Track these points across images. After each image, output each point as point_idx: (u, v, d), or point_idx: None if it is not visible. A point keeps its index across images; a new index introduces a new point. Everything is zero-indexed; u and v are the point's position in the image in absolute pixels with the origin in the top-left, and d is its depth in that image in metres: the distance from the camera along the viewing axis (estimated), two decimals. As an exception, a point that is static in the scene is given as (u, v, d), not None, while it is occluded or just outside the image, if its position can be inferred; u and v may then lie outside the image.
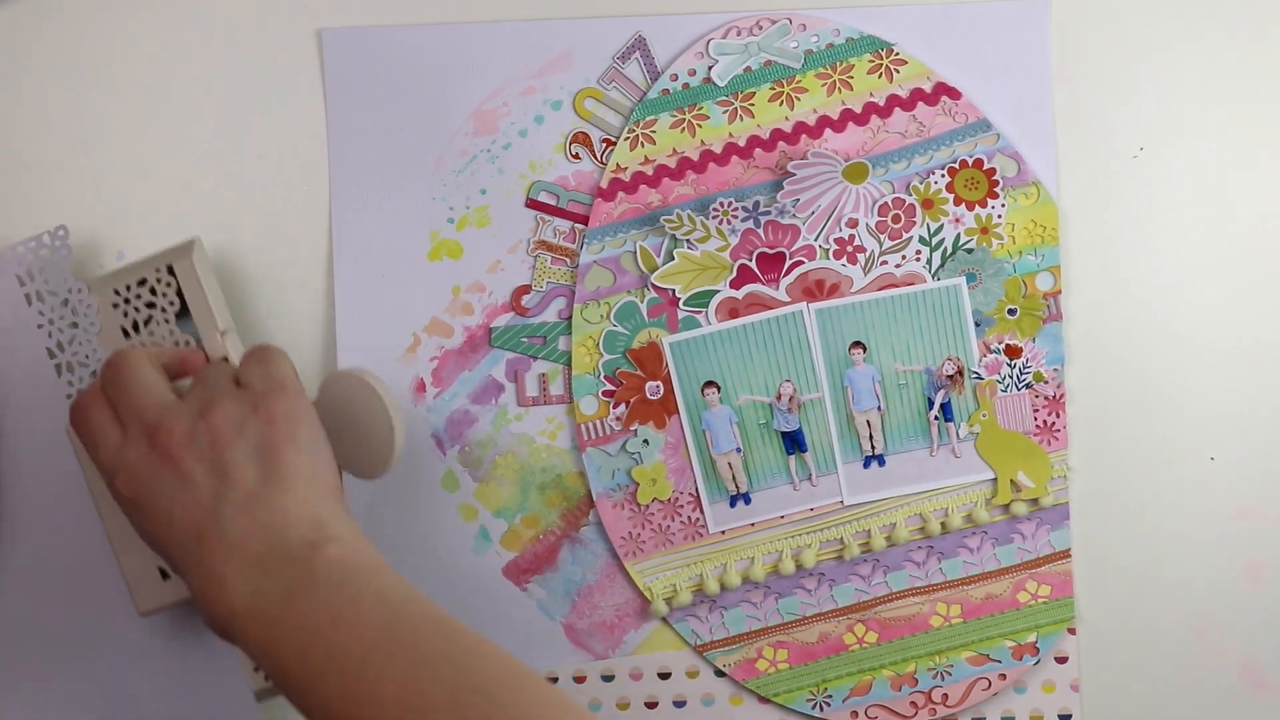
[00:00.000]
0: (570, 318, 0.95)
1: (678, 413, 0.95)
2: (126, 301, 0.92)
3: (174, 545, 0.80)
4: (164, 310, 0.91)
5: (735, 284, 0.94)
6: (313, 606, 0.76)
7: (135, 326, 0.92)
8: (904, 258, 0.94)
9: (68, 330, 0.92)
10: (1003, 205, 0.94)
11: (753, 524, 0.95)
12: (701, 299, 0.94)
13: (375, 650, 0.75)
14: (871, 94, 0.95)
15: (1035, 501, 0.95)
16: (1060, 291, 0.95)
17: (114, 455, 0.82)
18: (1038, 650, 0.95)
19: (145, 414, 0.82)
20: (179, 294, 0.91)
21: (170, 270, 0.91)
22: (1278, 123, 0.95)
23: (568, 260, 0.95)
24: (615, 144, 0.95)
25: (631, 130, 0.94)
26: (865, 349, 0.94)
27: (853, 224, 0.94)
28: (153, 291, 0.91)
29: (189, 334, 0.91)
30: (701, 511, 0.95)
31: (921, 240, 0.94)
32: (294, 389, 0.83)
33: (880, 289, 0.94)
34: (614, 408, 0.95)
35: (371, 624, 0.76)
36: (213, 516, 0.79)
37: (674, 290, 0.95)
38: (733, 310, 0.94)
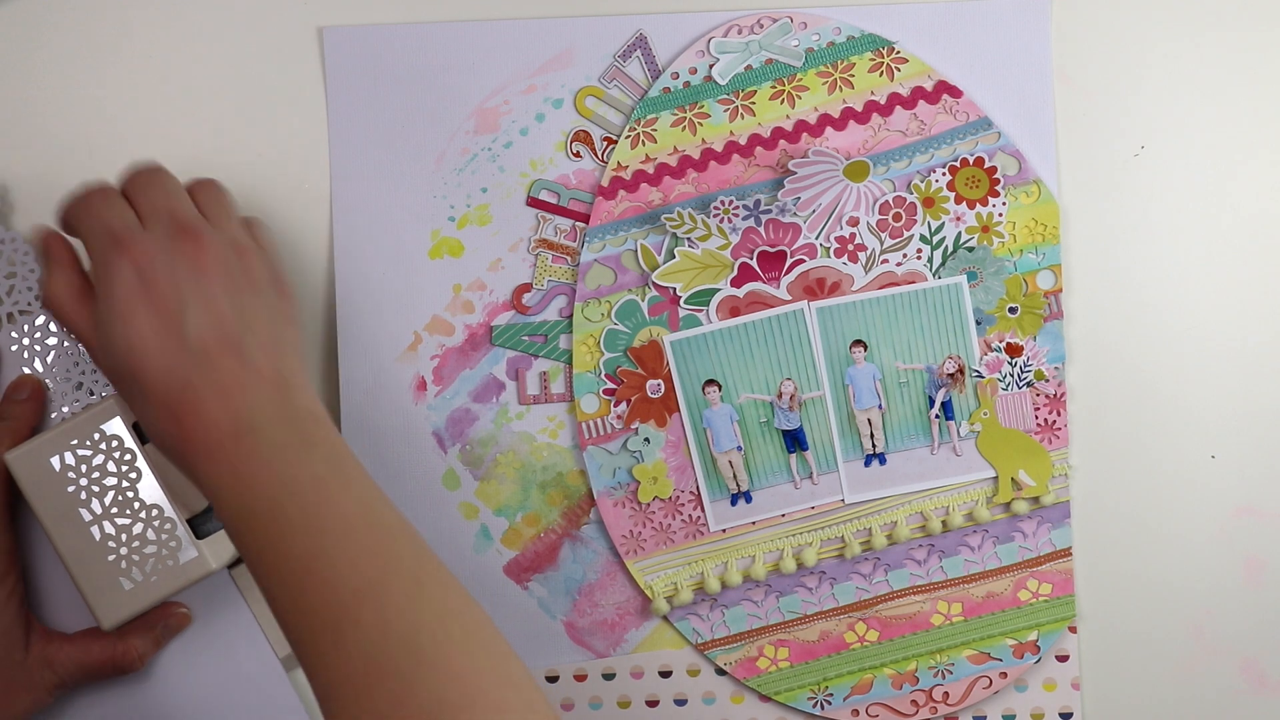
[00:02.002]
0: (571, 316, 0.95)
1: (679, 411, 0.95)
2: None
3: (168, 342, 0.78)
4: (65, 343, 0.93)
5: (736, 282, 0.94)
6: (302, 470, 0.77)
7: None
8: (905, 256, 0.94)
9: (4, 282, 0.92)
10: (1004, 203, 0.94)
11: (754, 522, 0.95)
12: (702, 297, 0.94)
13: (349, 534, 0.76)
14: (872, 92, 0.95)
15: (1036, 500, 0.95)
16: (1061, 290, 0.95)
17: (128, 232, 0.80)
18: (1039, 648, 0.95)
19: (179, 214, 0.81)
20: None
21: None
22: (1278, 121, 0.95)
23: (569, 258, 0.95)
24: (616, 142, 0.95)
25: (633, 128, 0.94)
26: (866, 347, 0.94)
27: (854, 222, 0.94)
28: None
29: None
30: (702, 510, 0.95)
31: (922, 238, 0.94)
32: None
33: (881, 287, 0.94)
34: (615, 406, 0.95)
35: (353, 510, 0.76)
36: (234, 342, 0.79)
37: (675, 288, 0.95)
38: (734, 309, 0.94)
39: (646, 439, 0.95)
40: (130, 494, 0.87)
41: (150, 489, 0.87)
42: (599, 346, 0.95)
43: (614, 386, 0.95)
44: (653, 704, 0.96)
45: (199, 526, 0.88)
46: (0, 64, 0.95)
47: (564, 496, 0.95)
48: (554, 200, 0.95)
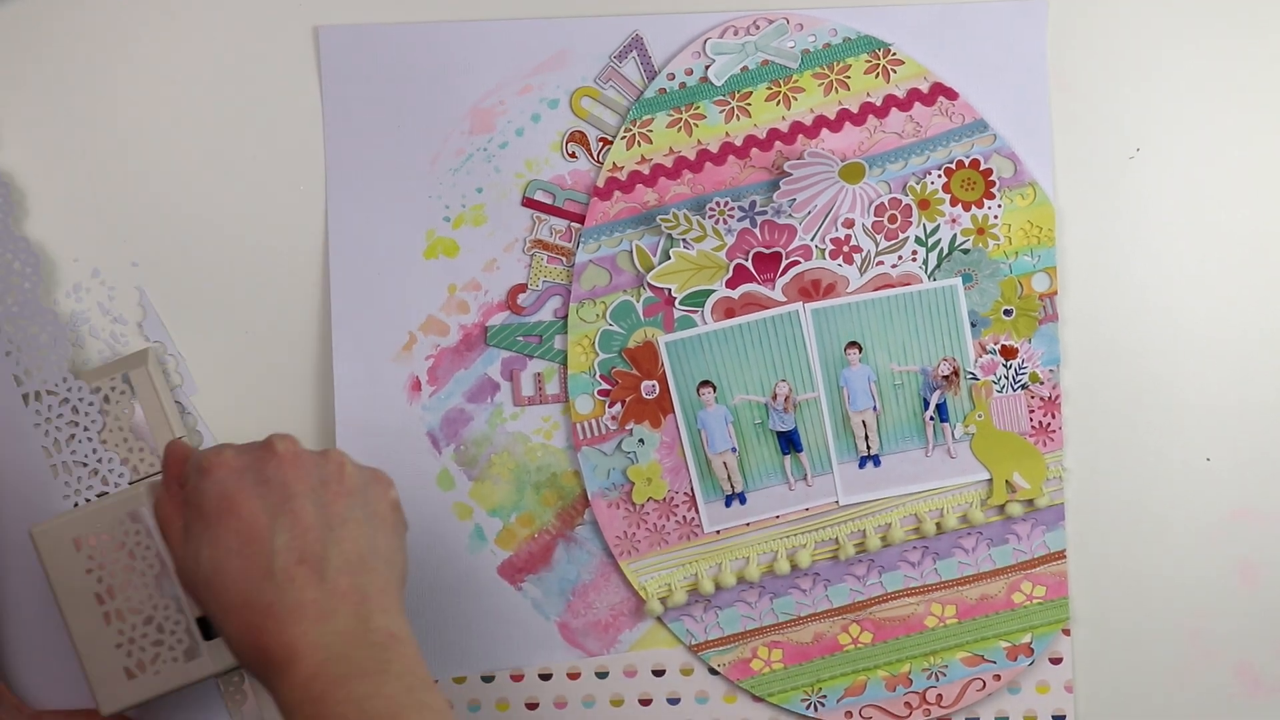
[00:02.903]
0: (566, 317, 0.95)
1: (673, 412, 0.95)
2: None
3: (255, 561, 0.78)
4: (87, 429, 0.93)
5: (731, 284, 0.94)
6: (376, 697, 0.76)
7: (56, 445, 0.93)
8: (900, 258, 0.94)
9: (36, 356, 0.92)
10: (999, 206, 0.94)
11: (748, 524, 0.95)
12: (697, 298, 0.94)
13: None
14: (868, 94, 0.94)
15: (1030, 502, 0.95)
16: (1056, 292, 0.95)
17: (217, 454, 0.81)
18: (1032, 651, 0.95)
19: (271, 440, 0.82)
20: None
21: (126, 380, 0.92)
22: (1273, 125, 0.95)
23: (564, 259, 0.95)
24: (612, 143, 0.95)
25: (628, 129, 0.94)
26: (861, 349, 0.94)
27: (849, 224, 0.94)
28: (106, 400, 0.93)
29: (117, 451, 0.93)
30: (697, 511, 0.95)
31: (918, 240, 0.94)
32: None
33: (876, 289, 0.94)
34: (609, 407, 0.95)
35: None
36: (319, 555, 0.78)
37: (670, 290, 0.94)
38: (729, 310, 0.94)
39: (641, 440, 0.95)
40: (146, 584, 0.87)
41: (166, 582, 0.87)
42: (594, 347, 0.95)
43: (609, 387, 0.95)
44: (646, 703, 0.96)
45: (208, 627, 0.87)
46: (-5, 62, 0.95)
47: (558, 497, 0.95)
48: (549, 201, 0.95)
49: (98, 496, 0.92)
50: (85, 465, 0.93)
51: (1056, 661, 0.95)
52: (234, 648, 0.79)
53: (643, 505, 0.95)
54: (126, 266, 0.95)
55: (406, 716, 0.76)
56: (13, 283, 0.93)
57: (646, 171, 0.94)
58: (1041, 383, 0.95)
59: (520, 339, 0.95)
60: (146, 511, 0.87)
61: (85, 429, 0.93)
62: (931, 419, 0.95)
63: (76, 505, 0.91)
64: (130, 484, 0.93)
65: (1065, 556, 0.95)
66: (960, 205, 0.94)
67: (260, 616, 0.78)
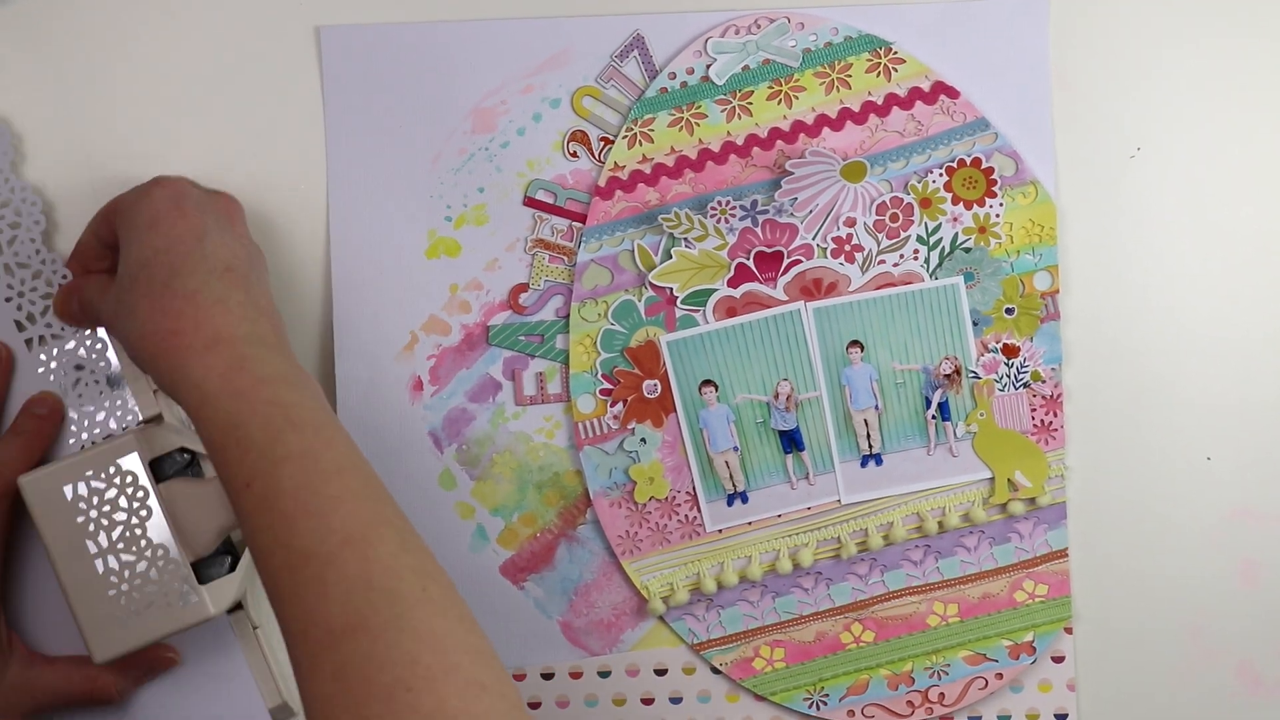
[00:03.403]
0: (568, 316, 0.95)
1: (675, 411, 0.95)
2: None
3: (184, 255, 0.81)
4: (93, 371, 0.93)
5: (733, 283, 0.94)
6: (299, 400, 0.77)
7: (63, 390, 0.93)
8: (902, 257, 0.94)
9: (40, 301, 0.92)
10: (1001, 204, 0.94)
11: (750, 523, 0.95)
12: (699, 298, 0.94)
13: (344, 464, 0.76)
14: (870, 93, 0.94)
15: (1032, 501, 0.95)
16: (1058, 291, 0.95)
17: (173, 179, 0.85)
18: (1034, 649, 0.95)
19: (222, 193, 0.89)
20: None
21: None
22: (1275, 123, 0.95)
23: (565, 259, 0.95)
24: (613, 142, 0.95)
25: (629, 129, 0.94)
26: (863, 348, 0.94)
27: (850, 223, 0.94)
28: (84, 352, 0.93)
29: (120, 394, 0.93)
30: (699, 510, 0.95)
31: (919, 239, 0.94)
32: None
33: (878, 288, 0.94)
34: (611, 406, 0.95)
35: (345, 450, 0.77)
36: (245, 272, 0.82)
37: (672, 289, 0.94)
38: (730, 309, 0.94)
39: (643, 439, 0.95)
40: (139, 531, 0.87)
41: (159, 529, 0.87)
42: (595, 347, 0.95)
43: (610, 387, 0.95)
44: (648, 702, 0.96)
45: (203, 571, 0.88)
46: (-4, 62, 0.95)
47: (560, 497, 0.95)
48: (551, 200, 0.95)
49: (104, 439, 0.91)
50: (90, 409, 0.93)
51: (1059, 660, 0.95)
52: (150, 336, 0.79)
53: (645, 504, 0.95)
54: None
55: (328, 428, 0.77)
56: (15, 228, 0.93)
57: (648, 171, 0.94)
58: (1043, 381, 0.95)
59: (522, 338, 0.95)
60: (137, 458, 0.87)
61: (92, 372, 0.93)
62: (933, 418, 0.95)
63: (84, 449, 0.91)
64: (123, 431, 0.93)
65: (1067, 555, 0.95)
66: (962, 204, 0.94)
67: (181, 302, 0.79)
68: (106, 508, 0.87)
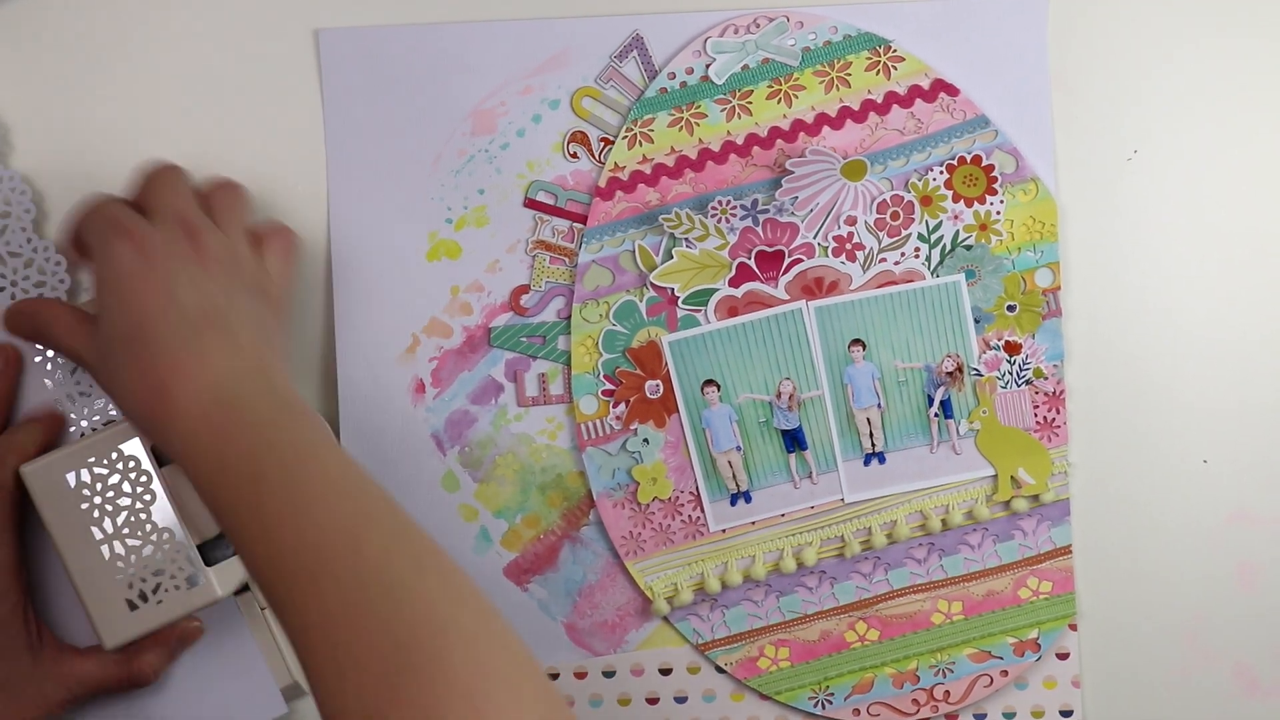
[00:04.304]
0: (569, 317, 0.95)
1: (677, 411, 0.95)
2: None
3: (162, 309, 0.80)
4: None
5: (734, 282, 0.94)
6: (280, 434, 0.78)
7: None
8: (903, 255, 0.94)
9: (33, 290, 0.92)
10: (1001, 201, 0.94)
11: (753, 522, 0.95)
12: (700, 297, 0.94)
13: (328, 493, 0.76)
14: (869, 91, 0.94)
15: (1036, 498, 0.95)
16: (1059, 287, 0.95)
17: (130, 221, 0.82)
18: (1039, 646, 0.95)
19: (183, 213, 0.84)
20: None
21: None
22: (1274, 123, 0.95)
23: (566, 260, 0.95)
24: (613, 143, 0.94)
25: (629, 129, 0.94)
26: (865, 346, 0.94)
27: (851, 221, 0.94)
28: None
29: None
30: (702, 510, 0.95)
31: (920, 237, 0.94)
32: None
33: (879, 286, 0.94)
34: (614, 407, 0.95)
35: (334, 471, 0.77)
36: (221, 319, 0.80)
37: (673, 289, 0.94)
38: (732, 308, 0.94)
39: (645, 440, 0.95)
40: (143, 516, 0.87)
41: (163, 512, 0.87)
42: (597, 347, 0.95)
43: (613, 387, 0.95)
44: (653, 701, 0.96)
45: (209, 553, 0.88)
46: (-5, 68, 0.95)
47: (563, 498, 0.95)
48: (551, 201, 0.95)
49: (105, 425, 0.91)
50: (87, 395, 0.93)
51: (1063, 657, 0.95)
52: (134, 400, 0.80)
53: (648, 505, 0.95)
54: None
55: (311, 451, 0.77)
56: (6, 218, 0.92)
57: (648, 171, 0.94)
58: (1045, 378, 0.95)
59: (524, 340, 0.95)
60: (139, 443, 0.88)
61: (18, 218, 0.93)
62: (936, 415, 0.95)
63: (84, 436, 0.91)
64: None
65: (1071, 551, 0.95)
66: (962, 201, 0.94)
67: (167, 359, 0.79)
68: (110, 493, 0.87)
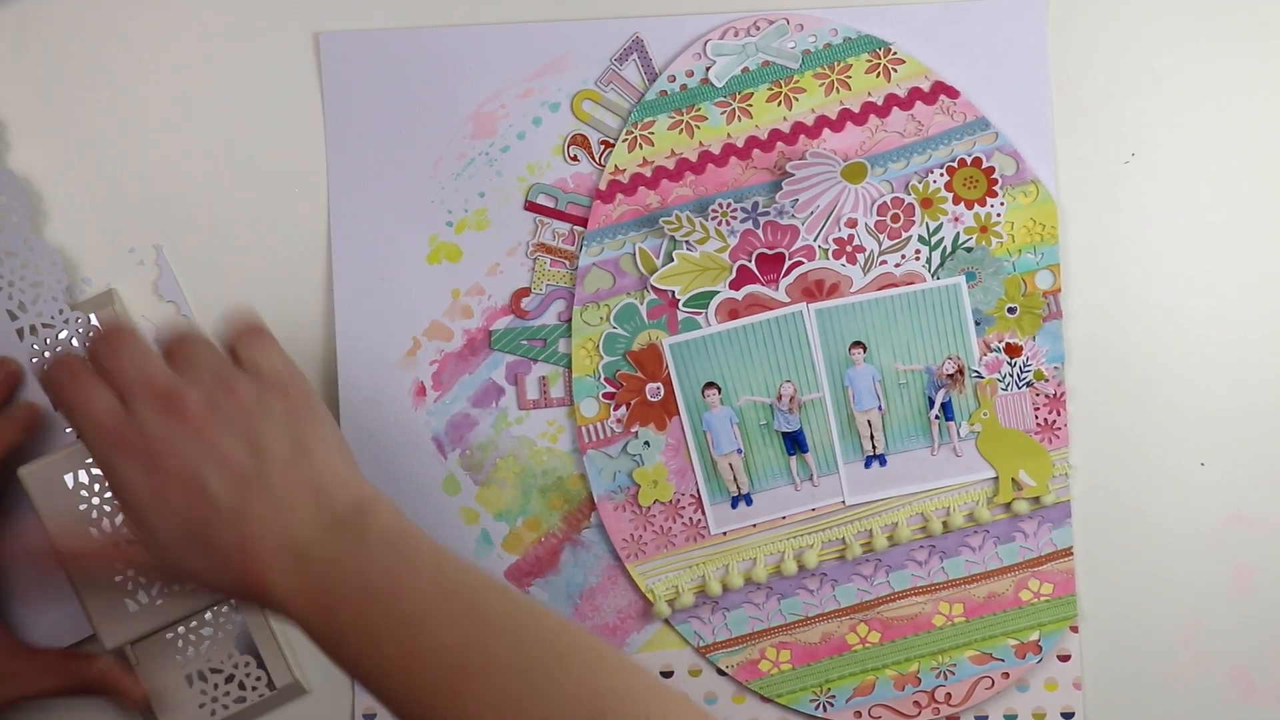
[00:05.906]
0: (570, 320, 0.95)
1: (678, 414, 0.95)
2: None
3: (202, 512, 0.77)
4: None
5: (735, 285, 0.94)
6: (368, 568, 0.76)
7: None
8: (903, 257, 0.94)
9: (30, 290, 0.92)
10: (1002, 204, 0.94)
11: (754, 525, 0.95)
12: (701, 300, 0.94)
13: (435, 612, 0.75)
14: (869, 93, 0.94)
15: (1037, 500, 0.95)
16: (1060, 289, 0.95)
17: (117, 425, 0.78)
18: (1040, 648, 0.95)
19: (155, 382, 0.78)
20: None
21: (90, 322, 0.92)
22: (1274, 123, 0.95)
23: (567, 262, 0.95)
24: (613, 146, 0.94)
25: (629, 132, 0.94)
26: (865, 349, 0.94)
27: (852, 224, 0.94)
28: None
29: None
30: (703, 513, 0.95)
31: (921, 239, 0.94)
32: (300, 371, 0.82)
33: (880, 288, 0.94)
34: (614, 410, 0.95)
35: (429, 586, 0.75)
36: (257, 480, 0.77)
37: (673, 292, 0.94)
38: (732, 311, 0.94)
39: (646, 442, 0.94)
40: None
41: None
42: (598, 350, 0.95)
43: (613, 390, 0.95)
44: (654, 705, 0.96)
45: None
46: (-4, 72, 0.95)
47: (564, 501, 0.95)
48: (551, 204, 0.95)
49: None
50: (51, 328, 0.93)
51: (1065, 659, 0.95)
52: (239, 598, 0.80)
53: (649, 508, 0.95)
54: (129, 274, 0.95)
55: (399, 577, 0.76)
56: (4, 218, 0.92)
57: (648, 174, 0.94)
58: (1046, 380, 0.95)
59: (524, 343, 0.95)
60: None
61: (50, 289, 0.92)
62: (936, 418, 0.95)
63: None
64: None
65: (1072, 553, 0.95)
66: (963, 204, 0.94)
67: (238, 558, 0.77)
68: (108, 494, 0.87)
